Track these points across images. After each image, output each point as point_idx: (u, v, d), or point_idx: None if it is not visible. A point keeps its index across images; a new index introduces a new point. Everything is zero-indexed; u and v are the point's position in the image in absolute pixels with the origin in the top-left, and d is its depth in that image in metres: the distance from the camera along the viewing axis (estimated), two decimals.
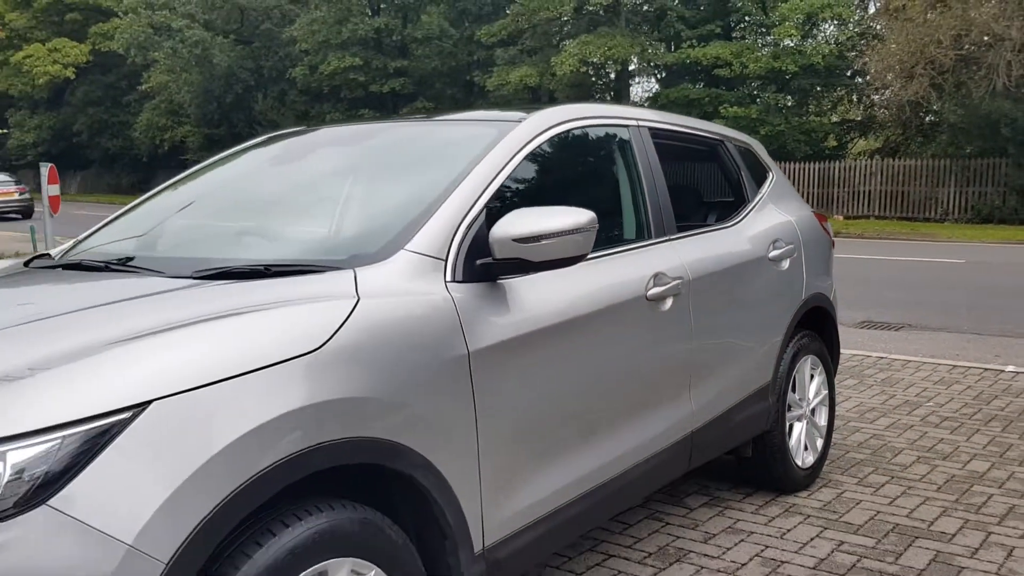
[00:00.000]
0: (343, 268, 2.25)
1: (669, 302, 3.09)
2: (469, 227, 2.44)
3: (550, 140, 2.89)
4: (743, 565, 3.27)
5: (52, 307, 2.12)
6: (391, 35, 34.40)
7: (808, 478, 4.08)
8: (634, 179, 3.24)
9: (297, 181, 3.09)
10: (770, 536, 3.54)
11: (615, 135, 3.27)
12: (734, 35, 30.63)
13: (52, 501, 1.59)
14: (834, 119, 29.41)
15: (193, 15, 37.73)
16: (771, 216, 4.02)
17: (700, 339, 3.27)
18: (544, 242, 2.37)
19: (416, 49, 35.19)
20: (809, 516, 3.74)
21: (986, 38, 20.04)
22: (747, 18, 30.64)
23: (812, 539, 3.50)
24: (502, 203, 2.61)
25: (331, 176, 3.07)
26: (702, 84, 30.17)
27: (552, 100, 30.78)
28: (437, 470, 2.17)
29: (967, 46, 20.41)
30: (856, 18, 26.68)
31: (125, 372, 1.73)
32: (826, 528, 3.61)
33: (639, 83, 34.43)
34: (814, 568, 3.23)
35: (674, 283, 3.11)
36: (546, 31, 31.23)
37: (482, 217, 2.49)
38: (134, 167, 47.46)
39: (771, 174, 4.28)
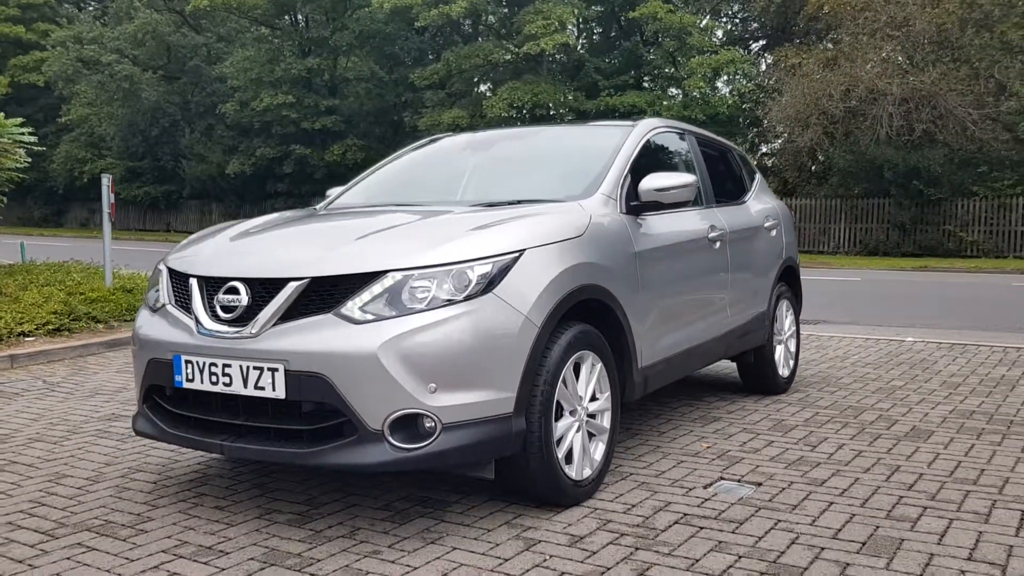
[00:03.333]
0: (569, 200, 3.92)
1: (718, 244, 4.85)
2: (623, 181, 4.15)
3: (650, 137, 4.62)
4: (757, 422, 5.01)
5: (437, 218, 3.69)
6: (322, 75, 35.81)
7: (786, 384, 5.87)
8: (691, 165, 5.01)
9: (502, 159, 4.75)
10: (768, 417, 5.29)
11: (681, 136, 5.04)
12: (644, 85, 33.31)
13: (494, 290, 3.21)
14: None
15: (121, 50, 38.30)
16: (762, 200, 5.86)
17: (732, 272, 5.04)
18: (671, 191, 4.10)
19: (346, 89, 36.71)
20: (792, 404, 5.51)
21: (870, 93, 22.91)
22: (656, 70, 33.38)
23: (796, 413, 5.27)
24: (633, 170, 4.32)
25: (526, 155, 4.73)
26: None
27: None
28: (625, 312, 3.84)
29: (854, 100, 23.25)
30: (753, 72, 29.63)
31: (512, 235, 3.37)
32: (803, 408, 5.38)
33: None
34: (805, 423, 4.99)
35: (720, 232, 4.89)
36: (472, 77, 33.24)
37: (628, 176, 4.19)
38: (48, 199, 47.09)
39: (757, 174, 6.12)
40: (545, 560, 3.01)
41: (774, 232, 5.77)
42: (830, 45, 27.60)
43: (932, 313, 10.96)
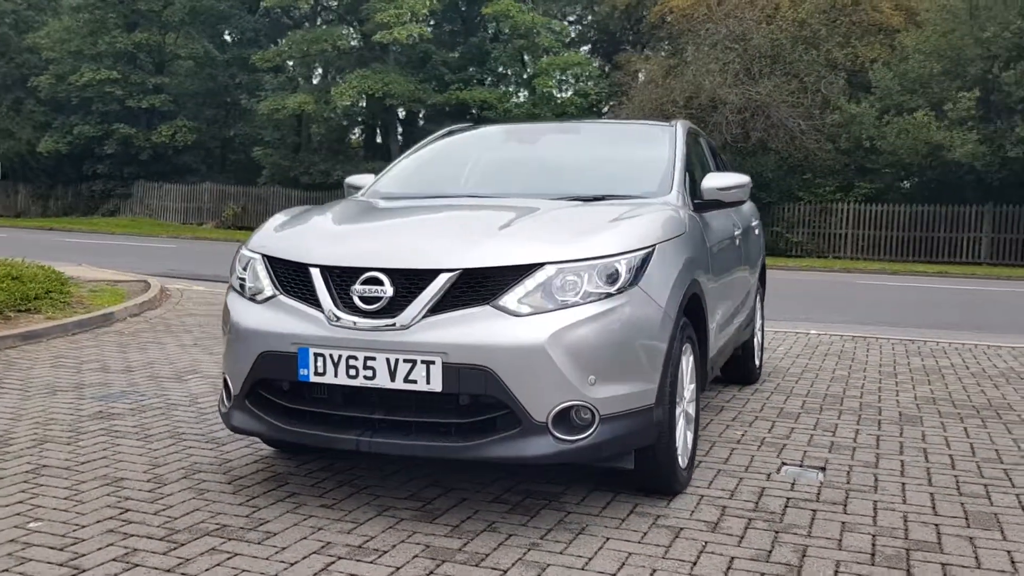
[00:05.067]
0: (651, 197, 4.04)
1: (738, 242, 5.13)
2: (685, 180, 4.31)
3: (687, 136, 4.81)
4: (760, 410, 5.34)
5: (546, 211, 3.69)
6: (150, 51, 33.75)
7: (758, 374, 6.26)
8: (707, 164, 5.26)
9: (555, 153, 4.77)
10: (767, 406, 5.64)
11: (697, 138, 5.27)
12: (487, 81, 33.71)
13: (639, 284, 3.29)
14: None
15: None
16: (749, 203, 6.20)
17: (745, 268, 5.34)
18: (731, 190, 4.31)
19: (176, 67, 34.80)
20: (775, 392, 5.89)
21: (711, 101, 24.31)
22: (502, 67, 33.86)
23: (786, 401, 5.64)
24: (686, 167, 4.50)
25: (578, 151, 4.78)
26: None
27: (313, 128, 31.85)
28: (706, 300, 4.01)
29: (695, 108, 24.58)
30: (597, 74, 30.70)
31: (645, 230, 3.46)
32: (789, 397, 5.76)
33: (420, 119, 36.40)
34: (804, 410, 5.36)
35: (740, 230, 5.17)
36: (314, 62, 32.42)
37: (687, 175, 4.37)
38: None
39: None
40: (705, 547, 3.14)
41: (758, 230, 6.13)
42: (664, 53, 29.00)
43: (797, 309, 11.84)
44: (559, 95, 29.83)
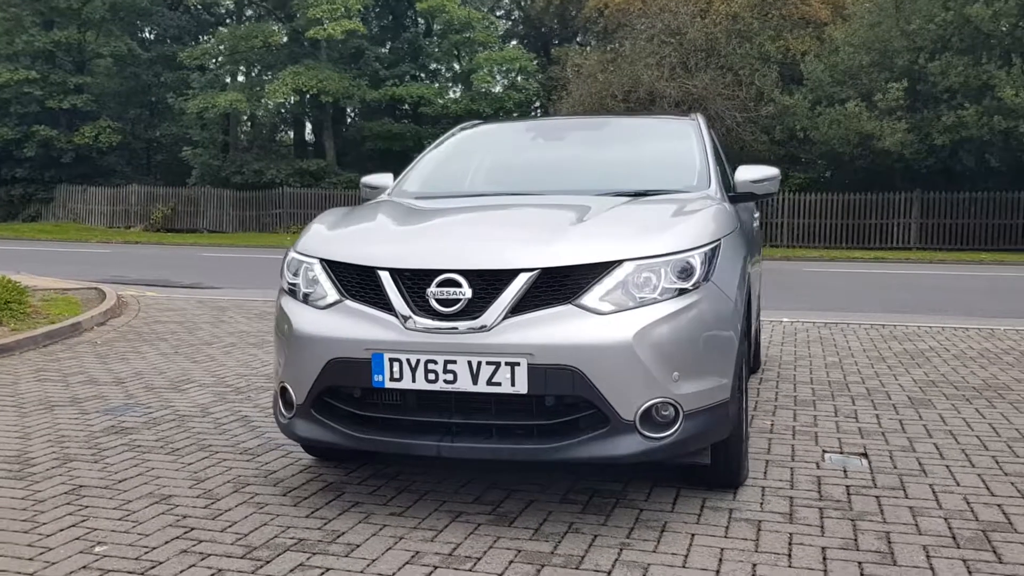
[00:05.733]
0: (693, 192, 4.05)
1: (756, 231, 5.18)
2: (719, 173, 4.34)
3: (709, 128, 4.83)
4: (776, 399, 5.41)
5: (608, 208, 3.66)
6: (70, 50, 32.55)
7: (760, 363, 6.34)
8: (721, 155, 5.30)
9: (586, 149, 4.73)
10: (780, 395, 5.71)
11: (710, 128, 5.30)
12: (421, 77, 33.50)
13: (712, 279, 3.29)
14: None
15: None
16: None
17: (760, 254, 5.40)
18: (763, 183, 4.35)
19: (98, 66, 33.64)
20: (782, 381, 5.98)
21: (650, 95, 24.58)
22: (436, 63, 33.68)
23: (796, 389, 5.72)
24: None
25: (607, 146, 4.75)
26: (408, 120, 32.55)
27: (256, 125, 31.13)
28: (751, 291, 4.04)
29: (634, 101, 24.83)
30: (534, 69, 30.76)
31: (711, 224, 3.46)
32: (797, 384, 5.85)
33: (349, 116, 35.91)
34: (817, 397, 5.45)
35: (754, 221, 5.22)
36: (243, 60, 31.70)
37: (719, 168, 4.40)
38: None
39: None
40: (792, 538, 3.16)
41: (757, 222, 6.21)
42: (590, 47, 29.22)
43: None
44: (497, 91, 29.77)
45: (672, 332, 3.12)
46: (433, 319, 3.14)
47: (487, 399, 3.14)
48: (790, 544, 3.09)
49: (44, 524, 3.30)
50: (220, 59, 31.36)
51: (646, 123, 5.19)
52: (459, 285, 3.13)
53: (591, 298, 3.11)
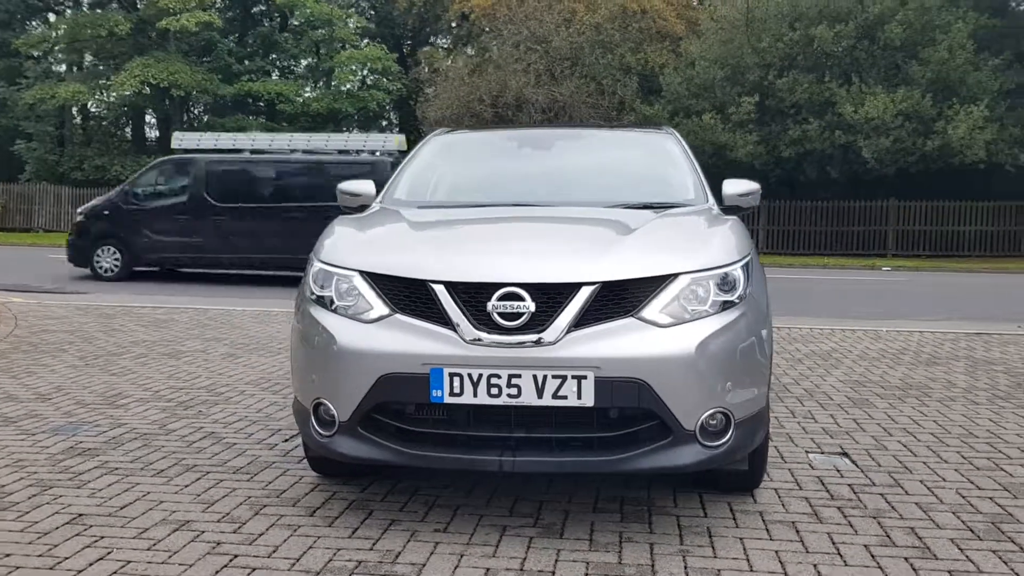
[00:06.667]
0: (693, 205, 4.18)
1: None
2: (707, 186, 4.50)
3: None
4: None
5: (624, 222, 3.71)
6: None
7: None
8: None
9: (576, 160, 4.75)
10: None
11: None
12: (278, 73, 32.58)
13: (750, 290, 3.41)
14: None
15: None
16: None
17: None
18: (748, 196, 4.54)
19: None
20: None
21: (517, 100, 24.93)
22: (293, 59, 32.81)
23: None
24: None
25: (596, 158, 4.79)
26: (262, 117, 31.51)
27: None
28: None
29: (503, 106, 25.12)
30: (396, 70, 30.51)
31: (739, 239, 3.58)
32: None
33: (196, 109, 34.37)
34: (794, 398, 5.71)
35: None
36: (89, 48, 29.82)
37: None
38: None
39: None
40: (831, 537, 3.32)
41: None
42: (471, 51, 29.38)
43: None
44: (359, 91, 29.32)
45: (725, 343, 3.22)
46: (495, 333, 3.10)
47: (547, 412, 3.13)
48: (833, 543, 3.26)
49: (67, 559, 3.03)
50: (59, 48, 29.33)
51: (627, 136, 5.29)
52: (522, 299, 3.11)
53: (651, 311, 3.17)
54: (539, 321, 3.11)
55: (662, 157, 4.74)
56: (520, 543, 3.22)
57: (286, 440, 4.61)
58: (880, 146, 22.63)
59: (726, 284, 3.33)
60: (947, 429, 4.98)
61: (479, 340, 3.09)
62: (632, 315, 3.16)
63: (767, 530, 3.38)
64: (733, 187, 4.50)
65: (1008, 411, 5.46)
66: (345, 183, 4.77)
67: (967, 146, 22.27)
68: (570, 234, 3.76)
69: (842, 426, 5.03)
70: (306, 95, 29.49)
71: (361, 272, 3.35)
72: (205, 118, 33.44)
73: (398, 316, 3.22)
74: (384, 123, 35.26)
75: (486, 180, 4.64)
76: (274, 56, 32.61)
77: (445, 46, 33.89)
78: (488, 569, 2.99)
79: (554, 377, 3.06)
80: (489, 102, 24.96)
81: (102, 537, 3.23)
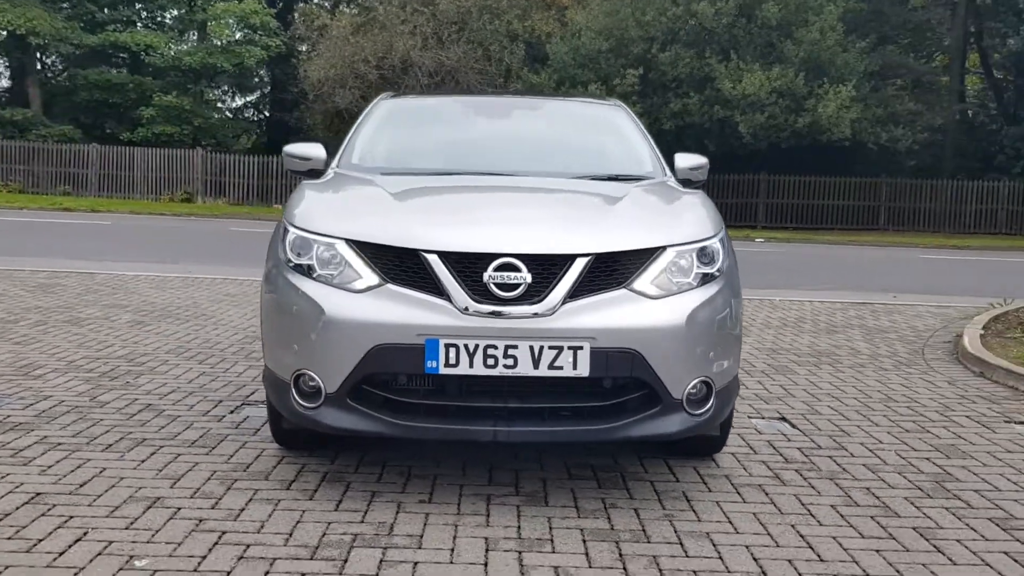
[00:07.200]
0: (654, 178, 4.25)
1: None
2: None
3: None
4: None
5: (604, 194, 3.75)
6: None
7: None
8: None
9: (534, 129, 4.72)
10: None
11: None
12: (149, 23, 30.91)
13: (728, 263, 3.51)
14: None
15: None
16: None
17: None
18: (699, 170, 4.65)
19: None
20: None
21: (403, 63, 24.52)
22: (160, 10, 31.14)
23: None
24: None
25: (554, 128, 4.77)
26: (126, 70, 29.85)
27: None
28: None
29: (388, 68, 24.65)
30: (275, 25, 29.41)
31: (717, 215, 3.68)
32: None
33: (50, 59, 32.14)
34: None
35: None
36: None
37: None
38: None
39: None
40: (802, 498, 3.49)
41: None
42: (354, 11, 28.63)
43: None
44: (235, 47, 28.10)
45: (709, 314, 3.31)
46: (491, 303, 3.09)
47: (540, 383, 3.15)
48: (802, 504, 3.43)
49: (41, 541, 2.85)
50: None
51: (579, 106, 5.28)
52: (518, 270, 3.10)
53: (642, 283, 3.22)
54: (534, 292, 3.11)
55: (616, 129, 4.78)
56: (510, 512, 3.24)
57: (232, 412, 4.46)
58: (755, 122, 23.49)
59: (706, 256, 3.42)
60: (867, 394, 5.29)
61: (476, 311, 3.07)
62: (624, 287, 3.20)
63: (739, 493, 3.53)
64: (685, 161, 4.59)
65: (916, 376, 5.85)
66: (291, 145, 4.60)
67: (835, 124, 23.39)
68: (557, 205, 3.76)
69: (772, 392, 5.27)
70: (179, 48, 28.06)
71: (348, 240, 3.26)
72: (64, 70, 31.41)
73: (389, 286, 3.16)
74: (256, 80, 34.01)
75: (451, 148, 4.56)
76: (140, 5, 30.88)
77: (323, 3, 32.88)
78: (487, 538, 3.00)
79: (550, 348, 3.08)
80: (374, 63, 24.44)
81: (71, 517, 3.05)
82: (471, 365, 3.07)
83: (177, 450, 3.82)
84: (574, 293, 3.14)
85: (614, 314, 3.14)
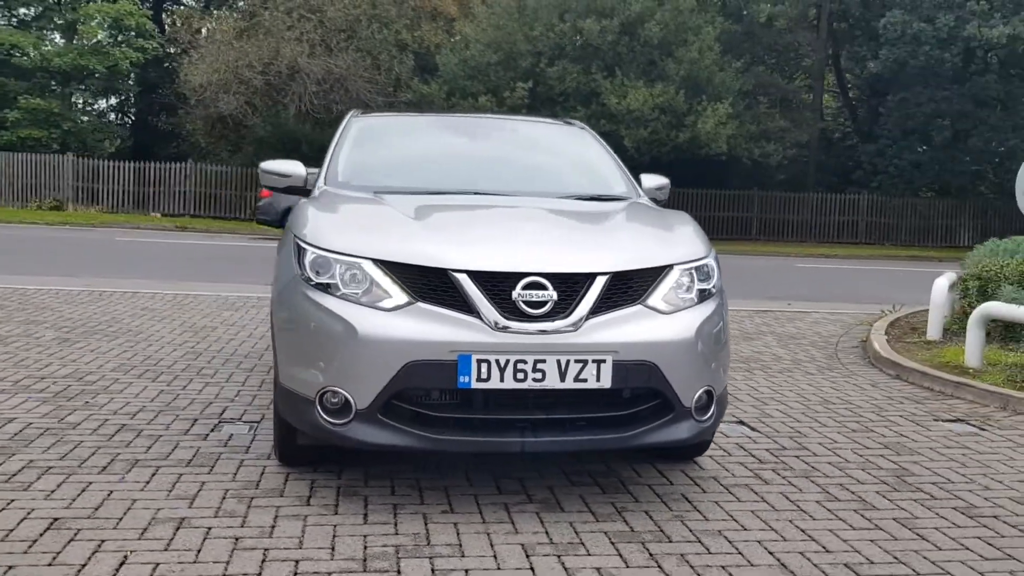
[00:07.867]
0: (631, 198, 4.48)
1: None
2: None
3: None
4: None
5: (603, 213, 3.96)
6: None
7: None
8: None
9: (507, 150, 4.86)
10: None
11: None
12: (13, 21, 29.23)
13: (717, 283, 3.77)
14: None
15: None
16: None
17: None
18: (663, 189, 4.93)
19: None
20: None
21: (290, 69, 24.11)
22: (26, 9, 29.50)
23: None
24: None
25: (524, 149, 4.92)
26: None
27: None
28: None
29: (275, 74, 24.18)
30: (150, 27, 28.35)
31: (703, 238, 3.90)
32: None
33: None
34: None
35: None
36: None
37: None
38: None
39: None
40: (789, 495, 3.78)
41: None
42: (235, 15, 27.95)
43: None
44: (109, 48, 26.90)
45: (712, 327, 3.57)
46: (520, 320, 3.24)
47: (563, 394, 3.32)
48: (791, 502, 3.72)
49: (84, 566, 2.81)
50: None
51: (546, 128, 5.41)
52: (544, 288, 3.26)
53: (655, 299, 3.44)
54: (559, 309, 3.28)
55: (587, 150, 4.99)
56: (532, 519, 3.39)
57: (213, 430, 4.41)
58: (639, 136, 24.31)
59: (702, 274, 3.67)
60: (806, 397, 5.70)
61: (506, 327, 3.21)
62: (639, 303, 3.41)
63: (731, 493, 3.79)
64: (651, 181, 4.85)
65: (840, 380, 6.31)
66: (269, 162, 4.63)
67: (713, 139, 24.48)
68: (566, 225, 3.94)
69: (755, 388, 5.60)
70: (47, 49, 26.62)
71: (375, 260, 3.34)
72: None
73: (420, 304, 3.26)
74: (129, 82, 32.49)
75: (439, 168, 4.65)
76: (8, 4, 29.13)
77: (195, 5, 31.93)
78: (522, 544, 3.14)
79: (576, 361, 3.25)
80: (260, 69, 23.93)
81: (103, 540, 3.01)
82: (502, 379, 3.21)
83: (176, 470, 3.78)
84: (596, 309, 3.33)
85: (633, 329, 3.34)
